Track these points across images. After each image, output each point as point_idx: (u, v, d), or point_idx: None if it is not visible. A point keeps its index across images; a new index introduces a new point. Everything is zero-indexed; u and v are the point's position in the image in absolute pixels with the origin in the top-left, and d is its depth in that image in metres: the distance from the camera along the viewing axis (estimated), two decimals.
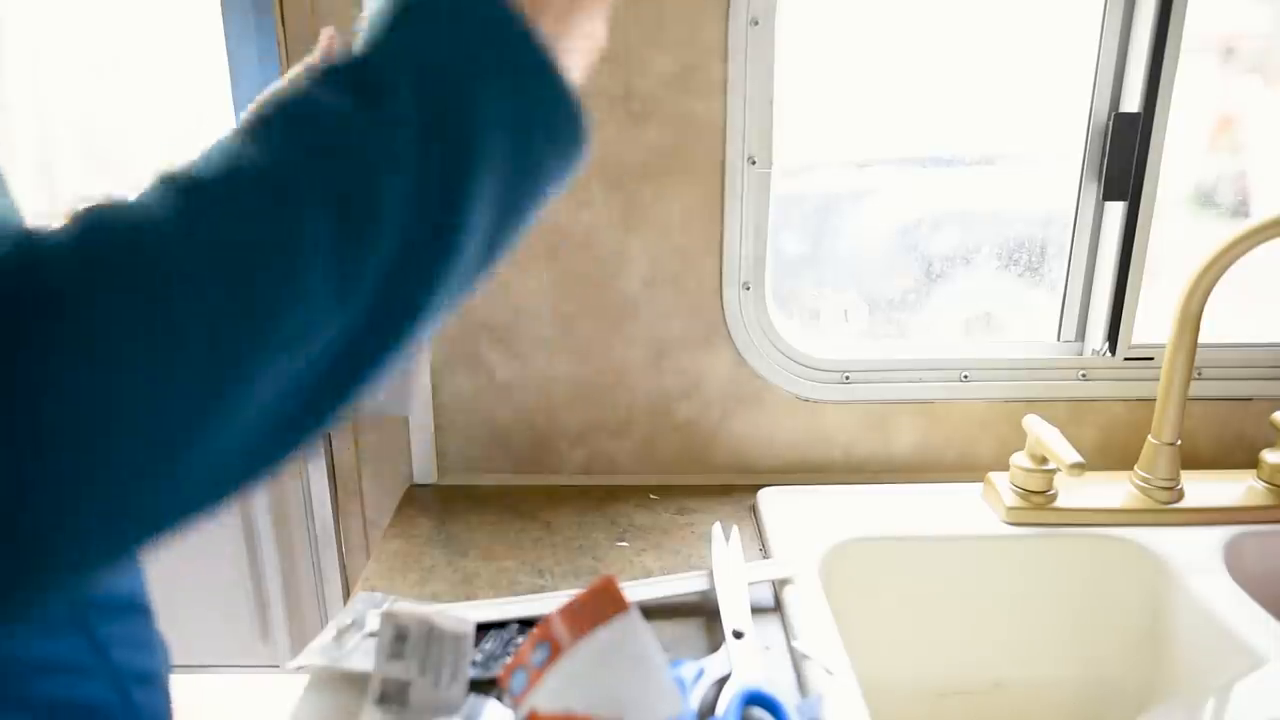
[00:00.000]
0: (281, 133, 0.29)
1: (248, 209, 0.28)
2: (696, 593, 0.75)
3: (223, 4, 0.84)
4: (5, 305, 0.25)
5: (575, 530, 0.87)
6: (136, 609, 0.41)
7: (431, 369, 0.94)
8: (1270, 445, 0.89)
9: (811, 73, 0.91)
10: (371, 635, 0.68)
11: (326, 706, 0.63)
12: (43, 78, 0.92)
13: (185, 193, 0.28)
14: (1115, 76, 0.90)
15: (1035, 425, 0.85)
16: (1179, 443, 0.87)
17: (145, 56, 0.93)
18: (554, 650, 0.53)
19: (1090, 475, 0.82)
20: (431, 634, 0.61)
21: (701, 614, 0.74)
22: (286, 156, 0.29)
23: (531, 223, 0.35)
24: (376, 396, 0.52)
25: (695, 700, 0.62)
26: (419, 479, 0.97)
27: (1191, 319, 0.82)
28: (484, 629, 0.69)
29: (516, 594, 0.76)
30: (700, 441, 0.98)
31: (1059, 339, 1.00)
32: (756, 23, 0.84)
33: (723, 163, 0.88)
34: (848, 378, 0.95)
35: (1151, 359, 0.95)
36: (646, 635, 0.51)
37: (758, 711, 0.61)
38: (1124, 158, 0.90)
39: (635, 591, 0.74)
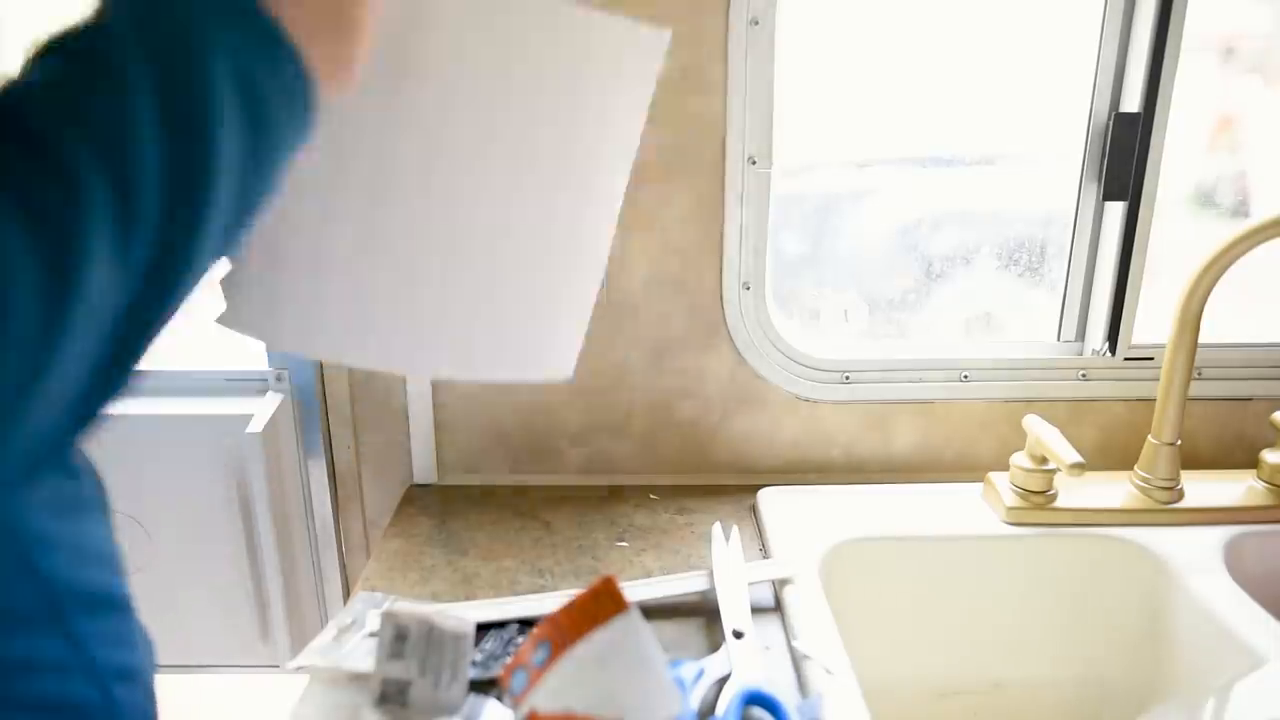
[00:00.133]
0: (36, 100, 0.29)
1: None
2: (696, 593, 0.75)
3: None
4: None
5: (575, 530, 0.87)
6: (116, 604, 0.40)
7: None
8: (1270, 445, 0.89)
9: (811, 73, 0.91)
10: (371, 635, 0.68)
11: (326, 706, 0.63)
12: None
13: None
14: (1115, 76, 0.90)
15: (1035, 425, 0.85)
16: (1179, 443, 0.87)
17: None
18: (554, 650, 0.53)
19: (1090, 475, 0.82)
20: (431, 634, 0.61)
21: (701, 614, 0.74)
22: (46, 125, 0.29)
23: (273, 185, 0.37)
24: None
25: (695, 700, 0.62)
26: (419, 479, 0.97)
27: (1191, 319, 0.82)
28: (484, 629, 0.69)
29: (516, 594, 0.76)
30: (700, 441, 0.98)
31: (1059, 339, 1.00)
32: (756, 22, 0.84)
33: (723, 163, 0.88)
34: (848, 378, 0.95)
35: (1151, 359, 0.95)
36: (646, 635, 0.51)
37: (758, 711, 0.61)
38: (1124, 158, 0.90)
39: (635, 591, 0.74)
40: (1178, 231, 0.97)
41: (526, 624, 0.71)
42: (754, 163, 0.88)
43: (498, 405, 0.96)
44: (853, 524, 0.85)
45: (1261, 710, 0.65)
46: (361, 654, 0.66)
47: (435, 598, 0.76)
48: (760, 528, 0.87)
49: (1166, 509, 0.86)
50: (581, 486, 0.96)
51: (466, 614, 0.65)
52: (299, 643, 0.96)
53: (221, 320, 0.48)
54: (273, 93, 0.34)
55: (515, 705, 0.53)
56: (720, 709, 0.61)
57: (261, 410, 0.91)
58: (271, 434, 0.91)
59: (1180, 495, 0.87)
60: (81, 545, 0.39)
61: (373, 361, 0.50)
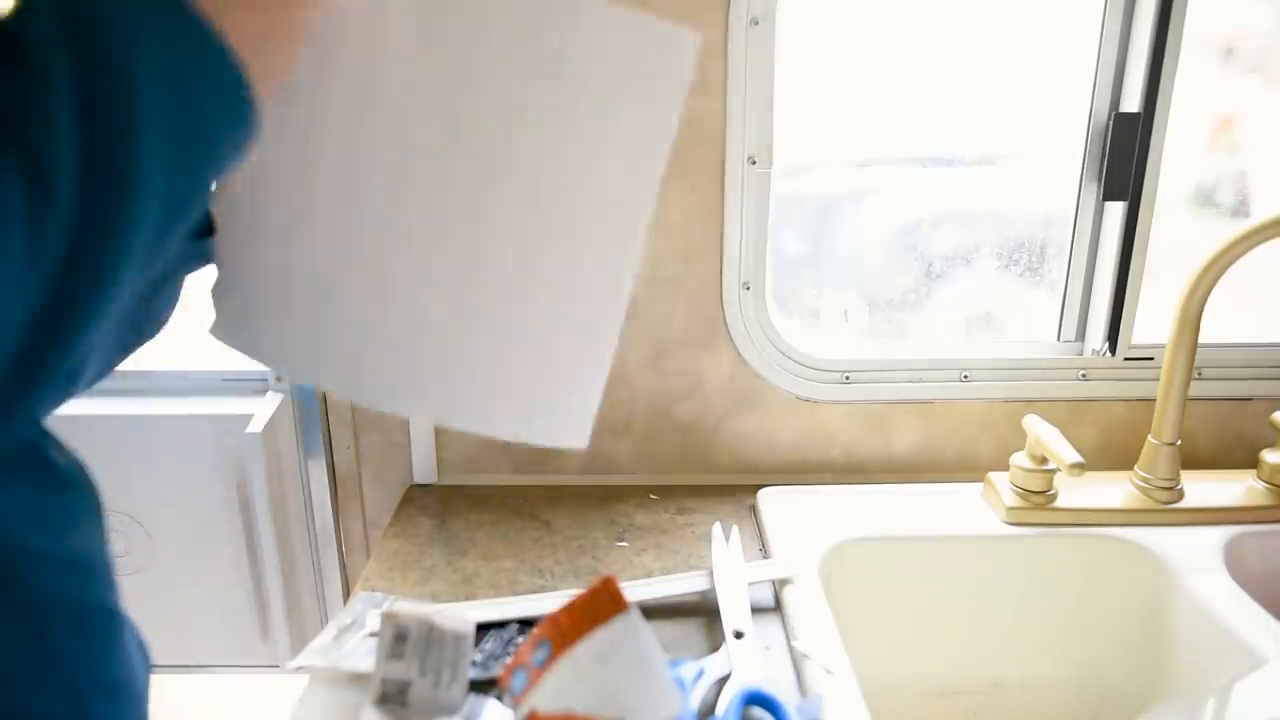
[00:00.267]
0: None
1: None
2: (696, 593, 0.75)
3: None
4: None
5: (575, 530, 0.87)
6: (101, 617, 0.40)
7: None
8: (1270, 445, 0.89)
9: (811, 73, 0.91)
10: (371, 635, 0.68)
11: (326, 706, 0.63)
12: None
13: None
14: (1115, 76, 0.90)
15: (1035, 425, 0.85)
16: (1179, 443, 0.87)
17: None
18: (554, 650, 0.53)
19: (1090, 475, 0.82)
20: (431, 634, 0.61)
21: (701, 614, 0.74)
22: None
23: (208, 187, 0.36)
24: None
25: (695, 700, 0.62)
26: (419, 479, 0.97)
27: (1191, 319, 0.82)
28: (484, 629, 0.69)
29: (516, 594, 0.76)
30: (700, 441, 0.98)
31: (1059, 339, 1.00)
32: (756, 23, 0.84)
33: (723, 163, 0.88)
34: (848, 378, 0.95)
35: (1151, 359, 0.95)
36: (646, 635, 0.51)
37: (758, 711, 0.61)
38: (1124, 158, 0.90)
39: (635, 591, 0.74)
40: (1178, 231, 0.97)
41: (526, 624, 0.71)
42: (754, 163, 0.88)
43: None
44: (853, 524, 0.85)
45: (1261, 710, 0.65)
46: (361, 654, 0.66)
47: (435, 598, 0.76)
48: (760, 528, 0.87)
49: (1166, 509, 0.86)
50: (581, 486, 0.96)
51: (466, 614, 0.65)
52: (299, 643, 0.96)
53: (210, 330, 0.47)
54: (203, 89, 0.34)
55: (515, 705, 0.53)
56: (720, 709, 0.61)
57: (261, 410, 0.91)
58: (271, 434, 0.91)
59: (1180, 495, 0.87)
60: (67, 559, 0.38)
61: (342, 389, 0.45)
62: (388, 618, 0.61)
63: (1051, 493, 0.86)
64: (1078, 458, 0.78)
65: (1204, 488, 0.88)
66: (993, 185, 0.98)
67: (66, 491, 0.40)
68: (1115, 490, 0.88)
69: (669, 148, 0.45)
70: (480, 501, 0.93)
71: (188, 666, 1.00)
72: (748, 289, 0.92)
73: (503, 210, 0.43)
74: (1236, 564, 0.80)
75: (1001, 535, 0.85)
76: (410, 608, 0.63)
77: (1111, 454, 0.98)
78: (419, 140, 0.42)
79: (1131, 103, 0.89)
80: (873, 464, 0.99)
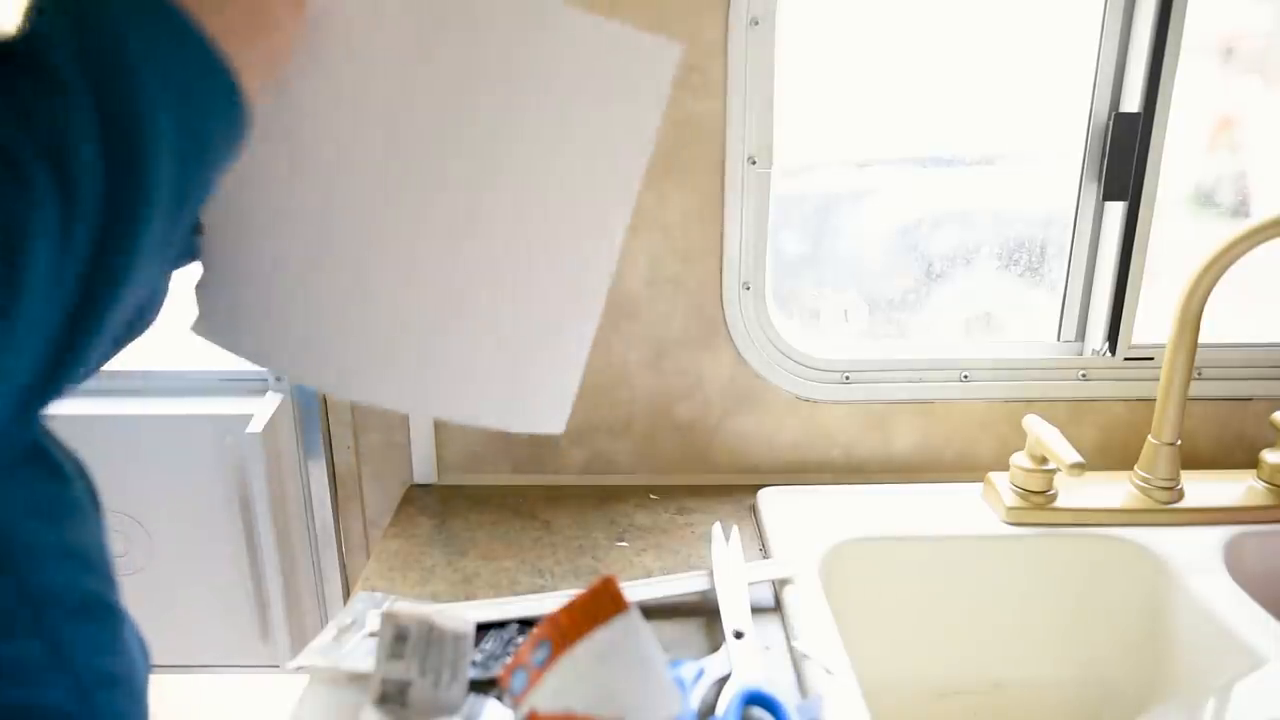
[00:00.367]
0: None
1: None
2: (696, 593, 0.75)
3: None
4: None
5: (575, 530, 0.87)
6: (102, 610, 0.40)
7: None
8: (1270, 445, 0.89)
9: (811, 73, 0.91)
10: (371, 635, 0.68)
11: (326, 706, 0.63)
12: None
13: None
14: (1115, 76, 0.90)
15: (1035, 425, 0.85)
16: (1179, 443, 0.87)
17: None
18: (554, 650, 0.53)
19: (1090, 475, 0.82)
20: (431, 634, 0.61)
21: (701, 614, 0.74)
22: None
23: (209, 191, 0.37)
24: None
25: (695, 700, 0.62)
26: (419, 479, 0.97)
27: (1191, 319, 0.82)
28: (484, 629, 0.69)
29: (516, 594, 0.76)
30: (700, 441, 0.98)
31: (1059, 339, 1.00)
32: (756, 23, 0.84)
33: (723, 163, 0.88)
34: (848, 378, 0.95)
35: (1151, 359, 0.95)
36: (646, 635, 0.51)
37: (758, 711, 0.61)
38: (1124, 158, 0.90)
39: (635, 591, 0.74)
40: (1178, 231, 0.97)
41: (526, 624, 0.71)
42: (754, 163, 0.88)
43: None
44: (853, 524, 0.85)
45: (1261, 710, 0.65)
46: (361, 654, 0.66)
47: (435, 598, 0.76)
48: (760, 528, 0.87)
49: (1166, 509, 0.86)
50: (581, 486, 0.96)
51: (466, 614, 0.65)
52: (299, 643, 0.96)
53: (192, 327, 0.47)
54: (200, 89, 0.35)
55: (515, 705, 0.53)
56: (720, 709, 0.61)
57: (261, 410, 0.91)
58: (271, 434, 0.91)
59: (1180, 495, 0.87)
60: (68, 550, 0.39)
61: (326, 384, 0.46)
62: (388, 618, 0.61)
63: (1051, 493, 0.86)
64: (1078, 458, 0.78)
65: (1204, 488, 0.88)
66: (993, 185, 0.98)
67: (66, 485, 0.40)
68: (1115, 490, 0.88)
69: (649, 152, 0.47)
70: (480, 501, 0.93)
71: (188, 666, 1.00)
72: (748, 289, 0.92)
73: (483, 209, 0.44)
74: (1236, 564, 0.80)
75: (1001, 535, 0.85)
76: (410, 608, 0.63)
77: (1111, 454, 0.98)
78: (403, 140, 0.43)
79: (1131, 103, 0.89)
80: (873, 464, 0.99)
